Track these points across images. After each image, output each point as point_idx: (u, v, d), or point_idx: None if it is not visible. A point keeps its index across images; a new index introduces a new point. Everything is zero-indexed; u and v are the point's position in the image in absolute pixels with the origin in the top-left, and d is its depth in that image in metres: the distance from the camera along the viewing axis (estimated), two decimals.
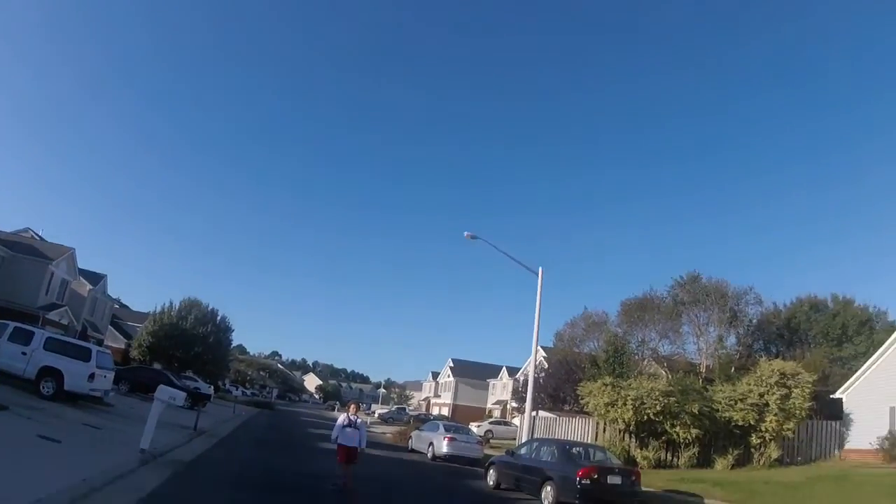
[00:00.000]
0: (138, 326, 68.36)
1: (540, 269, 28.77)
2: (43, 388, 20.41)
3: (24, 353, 20.86)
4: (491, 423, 57.37)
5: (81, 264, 54.83)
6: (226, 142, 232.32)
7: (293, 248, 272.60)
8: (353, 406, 15.88)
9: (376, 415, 79.61)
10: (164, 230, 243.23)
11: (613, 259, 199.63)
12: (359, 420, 14.90)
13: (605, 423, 29.66)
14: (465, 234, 29.23)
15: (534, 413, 30.64)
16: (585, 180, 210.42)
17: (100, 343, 50.46)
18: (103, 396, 22.53)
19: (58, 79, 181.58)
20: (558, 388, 43.81)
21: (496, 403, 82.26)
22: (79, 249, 52.18)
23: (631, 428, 28.21)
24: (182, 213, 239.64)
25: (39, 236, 54.98)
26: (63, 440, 13.18)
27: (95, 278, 60.08)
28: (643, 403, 27.33)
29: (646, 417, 27.42)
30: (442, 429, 30.07)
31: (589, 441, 28.93)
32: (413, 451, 31.90)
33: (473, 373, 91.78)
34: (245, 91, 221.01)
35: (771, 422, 27.57)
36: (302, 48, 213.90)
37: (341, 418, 15.02)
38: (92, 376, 20.75)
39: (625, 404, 27.57)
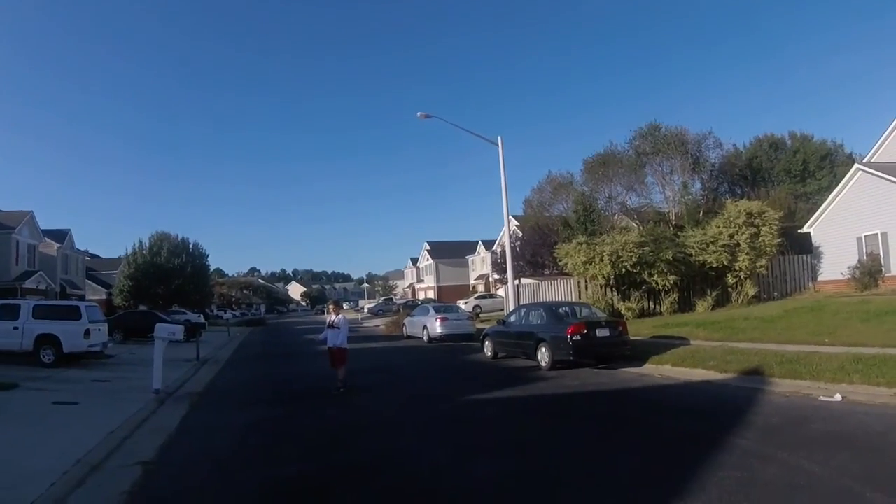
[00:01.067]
0: (114, 273, 67.88)
1: (500, 139, 28.60)
2: (43, 356, 20.42)
3: (15, 328, 20.67)
4: (477, 298, 58.51)
5: (42, 225, 53.28)
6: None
7: (249, 158, 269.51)
8: (332, 305, 16.25)
9: (365, 310, 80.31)
10: (110, 168, 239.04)
11: (572, 120, 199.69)
12: (337, 318, 15.09)
13: (585, 281, 30.41)
14: (419, 114, 28.47)
15: (516, 282, 31.33)
16: (531, 43, 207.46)
17: (81, 298, 50.38)
18: (103, 349, 22.65)
19: None
20: (536, 253, 44.73)
21: (479, 278, 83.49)
22: (35, 210, 51.12)
23: (611, 282, 29.10)
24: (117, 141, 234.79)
25: None
26: (79, 401, 13.49)
27: (60, 235, 58.63)
28: (619, 257, 28.12)
29: (623, 270, 28.29)
30: (433, 311, 30.99)
31: (573, 300, 29.79)
32: (409, 337, 33.00)
33: (451, 252, 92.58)
34: None
35: (744, 261, 28.72)
36: None
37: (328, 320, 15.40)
38: (87, 332, 20.78)
39: (602, 260, 28.31)
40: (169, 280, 58.66)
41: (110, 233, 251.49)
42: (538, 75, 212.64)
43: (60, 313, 21.68)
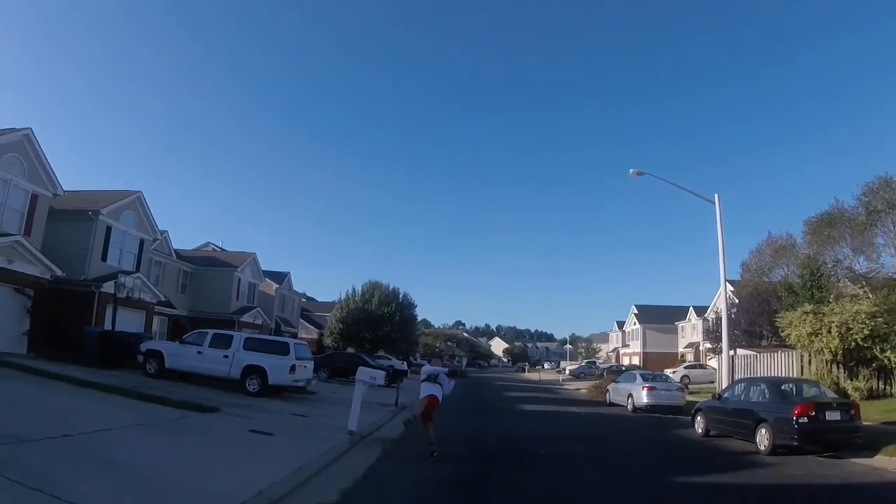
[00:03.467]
0: (326, 315, 71.08)
1: (716, 196, 26.97)
2: (248, 385, 21.65)
3: (226, 357, 22.24)
4: (686, 367, 55.84)
5: (263, 267, 57.37)
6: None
7: (466, 219, 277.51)
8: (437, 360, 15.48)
9: (567, 371, 79.72)
10: (331, 224, 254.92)
11: (788, 176, 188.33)
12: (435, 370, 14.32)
13: (809, 355, 27.69)
14: (631, 171, 27.70)
15: (731, 352, 29.22)
16: (745, 95, 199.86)
17: (294, 336, 53.34)
18: (306, 385, 23.56)
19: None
20: (753, 322, 42.02)
21: (688, 347, 79.62)
22: (259, 254, 55.11)
23: (838, 357, 26.23)
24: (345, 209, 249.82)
25: (220, 248, 58.95)
26: (274, 432, 13.75)
27: (279, 277, 63.12)
28: (849, 329, 25.36)
29: (853, 344, 25.45)
30: (640, 379, 29.49)
31: (794, 376, 27.20)
32: (612, 404, 31.68)
33: (660, 317, 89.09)
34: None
35: None
36: None
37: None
38: (293, 368, 21.71)
39: (829, 332, 25.74)
40: (377, 326, 60.31)
41: (326, 278, 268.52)
42: (756, 131, 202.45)
43: (269, 347, 22.90)
